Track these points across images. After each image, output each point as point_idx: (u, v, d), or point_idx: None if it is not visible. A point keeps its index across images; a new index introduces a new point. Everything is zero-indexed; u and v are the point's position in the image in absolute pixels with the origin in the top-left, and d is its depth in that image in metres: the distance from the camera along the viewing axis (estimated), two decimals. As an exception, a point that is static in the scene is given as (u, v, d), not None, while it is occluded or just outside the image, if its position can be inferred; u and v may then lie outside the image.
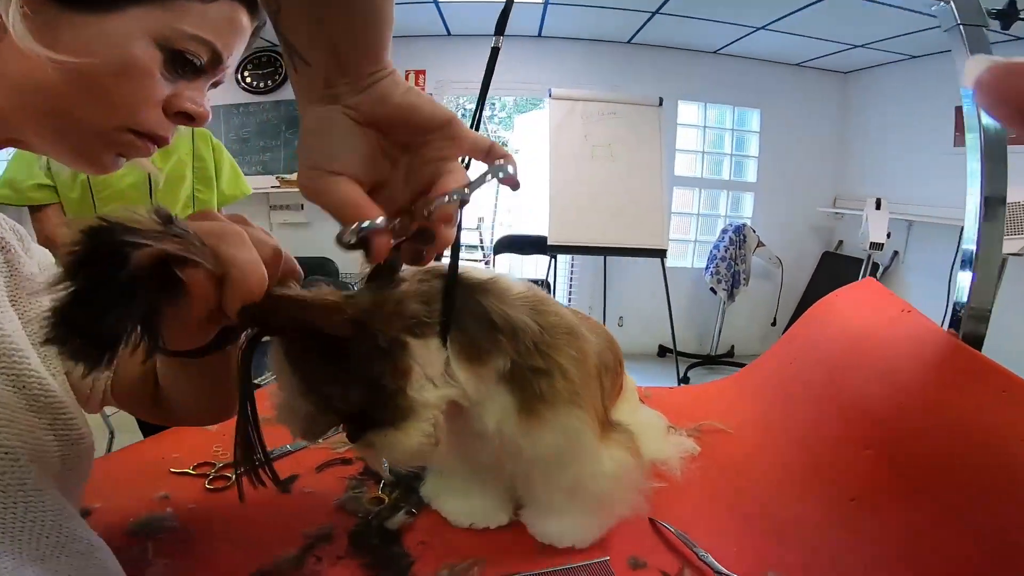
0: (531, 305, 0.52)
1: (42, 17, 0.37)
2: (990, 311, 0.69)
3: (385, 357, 0.42)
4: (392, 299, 0.42)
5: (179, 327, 0.33)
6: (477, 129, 0.46)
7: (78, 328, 0.27)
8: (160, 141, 0.45)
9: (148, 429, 1.32)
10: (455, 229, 0.40)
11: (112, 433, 2.11)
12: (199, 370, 0.49)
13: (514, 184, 0.40)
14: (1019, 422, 0.55)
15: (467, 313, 0.47)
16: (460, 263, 0.47)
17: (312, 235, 3.71)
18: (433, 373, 0.45)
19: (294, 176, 3.58)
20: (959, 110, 1.15)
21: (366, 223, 0.35)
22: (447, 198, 0.37)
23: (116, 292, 0.26)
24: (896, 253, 3.58)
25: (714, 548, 0.55)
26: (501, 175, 0.40)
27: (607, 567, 0.54)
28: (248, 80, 3.72)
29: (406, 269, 0.45)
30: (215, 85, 0.49)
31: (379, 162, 0.38)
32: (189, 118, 0.46)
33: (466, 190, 0.38)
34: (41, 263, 0.51)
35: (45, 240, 1.36)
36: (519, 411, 0.51)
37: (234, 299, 0.31)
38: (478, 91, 0.45)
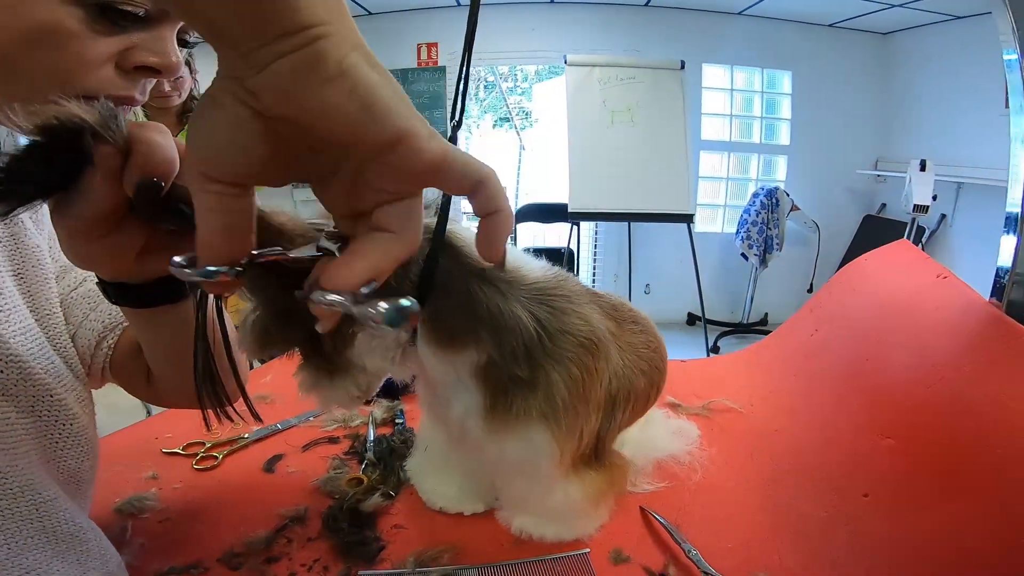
0: (547, 301, 0.45)
1: None
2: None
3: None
4: None
5: (89, 208, 0.31)
6: (464, 89, 0.37)
7: None
8: (125, 102, 0.39)
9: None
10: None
11: (148, 412, 2.18)
12: (170, 332, 0.45)
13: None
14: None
15: (449, 294, 0.41)
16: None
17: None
18: (382, 346, 0.42)
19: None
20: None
21: (201, 270, 0.27)
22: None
23: (37, 154, 0.28)
24: (943, 216, 3.39)
25: (705, 544, 0.51)
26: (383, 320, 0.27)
27: (586, 560, 0.51)
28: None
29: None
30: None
31: (299, 162, 0.27)
32: (155, 71, 0.39)
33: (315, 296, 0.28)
34: (52, 234, 0.48)
35: None
36: (485, 412, 0.46)
37: (132, 172, 0.30)
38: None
